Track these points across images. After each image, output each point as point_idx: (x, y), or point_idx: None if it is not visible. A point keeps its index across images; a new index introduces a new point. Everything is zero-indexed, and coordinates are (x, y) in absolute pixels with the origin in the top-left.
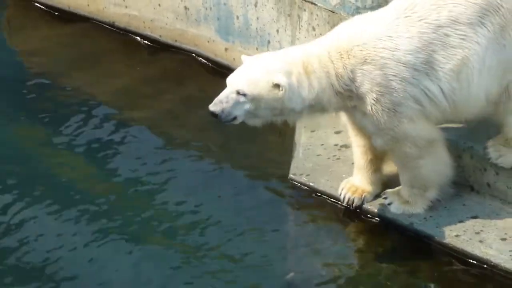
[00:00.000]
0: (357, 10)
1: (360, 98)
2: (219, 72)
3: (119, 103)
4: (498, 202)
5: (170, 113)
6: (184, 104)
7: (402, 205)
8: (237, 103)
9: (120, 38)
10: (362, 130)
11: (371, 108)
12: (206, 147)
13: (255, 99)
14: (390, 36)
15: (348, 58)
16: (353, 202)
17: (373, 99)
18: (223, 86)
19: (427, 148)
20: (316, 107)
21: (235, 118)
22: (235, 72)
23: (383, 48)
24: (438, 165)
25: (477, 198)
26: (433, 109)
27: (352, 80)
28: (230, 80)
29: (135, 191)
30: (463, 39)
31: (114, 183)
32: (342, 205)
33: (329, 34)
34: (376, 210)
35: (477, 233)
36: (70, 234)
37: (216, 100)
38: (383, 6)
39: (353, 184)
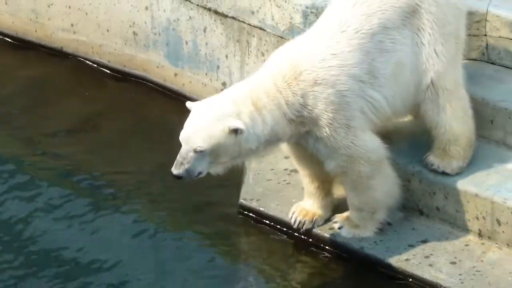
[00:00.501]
0: None
1: (314, 121)
2: (169, 97)
3: (67, 127)
4: (447, 226)
5: (120, 137)
6: (133, 129)
7: (352, 229)
8: (197, 160)
9: (68, 64)
10: (311, 157)
11: (327, 129)
12: (153, 174)
13: (213, 151)
14: (334, 54)
15: (297, 84)
16: (303, 225)
17: (328, 119)
18: (172, 111)
19: (378, 166)
20: (272, 140)
21: (200, 173)
22: (185, 127)
23: (330, 66)
24: (387, 185)
25: (427, 222)
26: (378, 118)
27: (304, 105)
28: (184, 137)
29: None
30: (393, 42)
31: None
32: (293, 230)
33: (268, 64)
34: (326, 235)
35: (427, 257)
36: None
37: (176, 162)
38: None
39: (304, 207)
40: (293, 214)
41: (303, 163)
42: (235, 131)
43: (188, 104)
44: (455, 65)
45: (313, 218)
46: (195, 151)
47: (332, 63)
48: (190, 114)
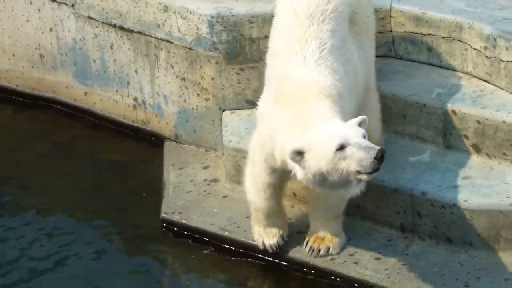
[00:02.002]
0: (214, 46)
1: None
2: (80, 117)
3: None
4: (369, 222)
5: (36, 158)
6: (47, 150)
7: (338, 242)
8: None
9: None
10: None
11: None
12: (68, 192)
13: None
14: (333, 69)
15: (333, 101)
16: (277, 247)
17: None
18: (82, 130)
19: None
20: None
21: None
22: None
23: (339, 80)
24: None
25: (348, 220)
26: None
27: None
28: (350, 134)
29: None
30: (350, 52)
31: None
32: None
33: (292, 93)
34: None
35: (352, 255)
36: None
37: (369, 148)
38: (238, 40)
39: (265, 229)
40: (262, 241)
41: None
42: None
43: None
44: (374, 64)
45: (281, 234)
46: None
47: (337, 77)
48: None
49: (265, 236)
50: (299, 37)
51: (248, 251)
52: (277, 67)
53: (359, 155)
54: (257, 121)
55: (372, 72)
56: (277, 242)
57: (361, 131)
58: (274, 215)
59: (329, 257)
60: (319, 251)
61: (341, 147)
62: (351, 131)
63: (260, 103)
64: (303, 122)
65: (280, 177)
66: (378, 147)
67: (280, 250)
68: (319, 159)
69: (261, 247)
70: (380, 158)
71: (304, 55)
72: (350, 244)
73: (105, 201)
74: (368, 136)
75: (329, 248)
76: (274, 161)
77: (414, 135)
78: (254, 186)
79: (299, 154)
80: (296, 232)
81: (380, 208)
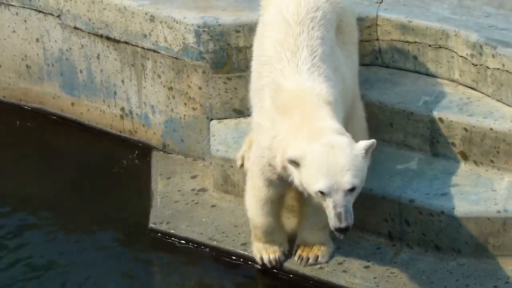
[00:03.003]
0: (200, 55)
1: None
2: (67, 126)
3: None
4: (357, 230)
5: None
6: (31, 159)
7: (326, 251)
8: (350, 200)
9: None
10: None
11: None
12: (57, 203)
13: (362, 182)
14: (326, 76)
15: (335, 108)
16: (278, 262)
17: None
18: (69, 140)
19: None
20: None
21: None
22: (326, 176)
23: (332, 87)
24: None
25: None
26: None
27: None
28: (330, 186)
29: None
30: (338, 59)
31: None
32: (203, 250)
33: (290, 103)
34: (236, 250)
35: (340, 263)
36: None
37: (343, 216)
38: (225, 49)
39: (270, 246)
40: (261, 257)
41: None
42: (366, 150)
43: (291, 155)
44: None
45: (281, 249)
46: (350, 190)
47: (331, 84)
48: (310, 160)
49: (264, 252)
50: (290, 45)
51: (236, 260)
52: (269, 76)
53: (330, 214)
54: (253, 132)
55: (357, 81)
56: (278, 257)
57: (350, 184)
58: (273, 232)
59: (318, 266)
60: (308, 259)
61: (322, 193)
62: (340, 181)
63: (255, 114)
64: (306, 129)
65: (278, 192)
66: (344, 224)
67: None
68: (307, 180)
69: (259, 262)
70: (341, 231)
71: (297, 63)
72: (339, 253)
73: (92, 210)
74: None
75: (317, 257)
76: (271, 171)
77: (401, 143)
78: (253, 202)
79: (295, 163)
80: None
81: (368, 216)
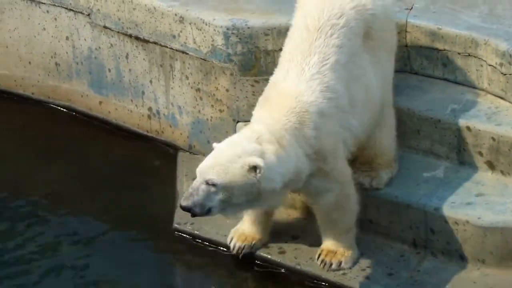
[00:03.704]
0: (229, 57)
1: (324, 154)
2: (95, 126)
3: None
4: (381, 237)
5: (47, 167)
6: (59, 157)
7: (349, 258)
8: (208, 194)
9: None
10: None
11: (332, 161)
12: (84, 201)
13: (227, 187)
14: (327, 87)
15: (309, 117)
16: (242, 251)
17: (333, 150)
18: (97, 139)
19: (352, 183)
20: (294, 180)
21: (210, 209)
22: (204, 160)
23: (329, 99)
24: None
25: (361, 235)
26: (354, 145)
27: (317, 138)
28: (199, 169)
29: None
30: (360, 68)
31: None
32: (230, 253)
33: (267, 102)
34: (269, 257)
35: (363, 269)
36: None
37: (186, 193)
38: (253, 52)
39: (243, 232)
40: (231, 239)
41: None
42: (254, 169)
43: (214, 144)
44: (392, 80)
45: (252, 243)
46: (207, 183)
47: (328, 95)
48: (212, 152)
49: (235, 236)
50: (303, 49)
51: (259, 262)
52: (276, 73)
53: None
54: None
55: (389, 88)
56: (243, 246)
57: (207, 174)
58: (252, 221)
59: (341, 272)
60: (331, 265)
61: None
62: (204, 170)
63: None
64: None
65: None
66: (184, 203)
67: (294, 263)
68: None
69: (228, 243)
70: (182, 209)
71: (304, 67)
72: (363, 259)
73: (117, 209)
74: (381, 152)
75: (341, 262)
76: None
77: (428, 151)
78: None
79: None
80: (291, 237)
81: (393, 223)
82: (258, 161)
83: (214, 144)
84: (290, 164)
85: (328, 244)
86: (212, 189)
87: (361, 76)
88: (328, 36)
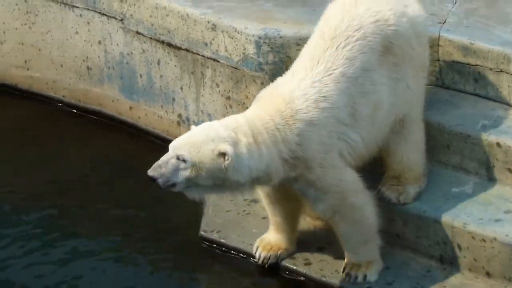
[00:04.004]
0: (260, 66)
1: (306, 163)
2: (125, 131)
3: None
4: (408, 252)
5: (77, 172)
6: (92, 162)
7: (372, 269)
8: (176, 169)
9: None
10: (289, 195)
11: (318, 171)
12: (112, 206)
13: (196, 166)
14: (324, 97)
15: (294, 122)
16: (268, 260)
17: (320, 160)
18: (128, 145)
19: (364, 194)
20: (262, 179)
21: (174, 184)
22: (179, 137)
23: (323, 108)
24: (374, 210)
25: (387, 249)
26: (353, 159)
27: (300, 144)
28: (172, 144)
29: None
30: (373, 84)
31: None
32: (256, 262)
33: (260, 101)
34: (294, 267)
35: (389, 283)
36: None
37: (155, 164)
38: (284, 61)
39: (269, 242)
40: (257, 248)
41: (278, 201)
42: (223, 156)
43: (193, 126)
44: (422, 95)
45: (278, 253)
46: (177, 158)
47: (324, 105)
48: (190, 130)
49: (261, 246)
50: (313, 56)
51: (282, 272)
52: (284, 75)
53: None
54: None
55: (415, 103)
56: (269, 256)
57: (175, 149)
58: (278, 231)
59: (367, 285)
60: (356, 277)
61: None
62: (175, 144)
63: None
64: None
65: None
66: (151, 173)
67: (319, 275)
68: None
69: (254, 253)
70: (149, 179)
71: (308, 73)
72: (389, 273)
73: (144, 216)
74: (409, 168)
75: (366, 276)
76: None
77: (457, 166)
78: None
79: None
80: (317, 248)
81: (420, 238)
82: (228, 149)
83: (193, 126)
84: (260, 161)
85: (349, 256)
86: (182, 165)
87: (371, 92)
88: (340, 47)
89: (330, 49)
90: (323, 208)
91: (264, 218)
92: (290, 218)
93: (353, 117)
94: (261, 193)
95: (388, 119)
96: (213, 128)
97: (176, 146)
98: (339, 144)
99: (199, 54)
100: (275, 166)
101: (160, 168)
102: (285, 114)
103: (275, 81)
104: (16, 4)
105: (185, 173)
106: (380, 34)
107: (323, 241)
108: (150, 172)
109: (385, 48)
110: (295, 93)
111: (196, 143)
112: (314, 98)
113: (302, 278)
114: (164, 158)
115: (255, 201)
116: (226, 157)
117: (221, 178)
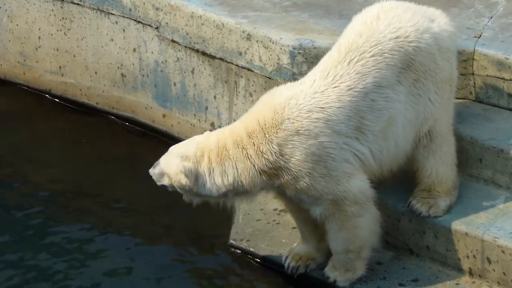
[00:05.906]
0: (293, 76)
1: (291, 171)
2: (157, 138)
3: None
4: (438, 264)
5: (109, 176)
6: (123, 168)
7: (345, 276)
8: (161, 174)
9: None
10: (297, 203)
11: (306, 179)
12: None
13: (167, 176)
14: (322, 108)
15: (276, 132)
16: (297, 271)
17: (308, 169)
18: (159, 152)
19: (366, 205)
20: (239, 191)
21: (163, 186)
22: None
23: (316, 119)
24: (373, 224)
25: (417, 261)
26: (363, 169)
27: (280, 154)
28: (169, 149)
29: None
30: (387, 101)
31: None
32: (285, 272)
33: (252, 108)
34: (317, 276)
35: None
36: None
37: (155, 163)
38: None
39: (298, 252)
40: (286, 258)
41: (293, 209)
42: (184, 174)
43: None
44: (449, 109)
45: (307, 263)
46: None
47: (319, 116)
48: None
49: (290, 256)
50: (325, 68)
51: (313, 284)
52: (292, 82)
53: None
54: None
55: (441, 117)
56: (298, 266)
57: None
58: (305, 239)
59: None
60: (328, 277)
61: None
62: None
63: None
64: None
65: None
66: (150, 169)
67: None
68: None
69: (283, 262)
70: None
71: (313, 84)
72: (418, 285)
73: (175, 223)
74: (439, 181)
75: (335, 280)
76: None
77: (489, 180)
78: None
79: None
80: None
81: (450, 251)
82: (186, 170)
83: (207, 132)
84: (225, 178)
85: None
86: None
87: (384, 109)
88: (353, 61)
89: (342, 63)
90: (319, 212)
91: (294, 228)
92: (310, 225)
93: (359, 130)
94: (283, 204)
95: (407, 134)
96: (188, 144)
97: (166, 153)
98: (344, 154)
99: (233, 63)
100: (248, 179)
101: (154, 168)
102: (268, 124)
103: (279, 86)
104: (52, 10)
105: (165, 181)
106: (400, 50)
107: None
108: (150, 169)
109: (405, 64)
110: (290, 102)
111: (172, 155)
112: (308, 109)
113: None
114: (160, 158)
115: (285, 210)
116: (185, 176)
117: (194, 192)
